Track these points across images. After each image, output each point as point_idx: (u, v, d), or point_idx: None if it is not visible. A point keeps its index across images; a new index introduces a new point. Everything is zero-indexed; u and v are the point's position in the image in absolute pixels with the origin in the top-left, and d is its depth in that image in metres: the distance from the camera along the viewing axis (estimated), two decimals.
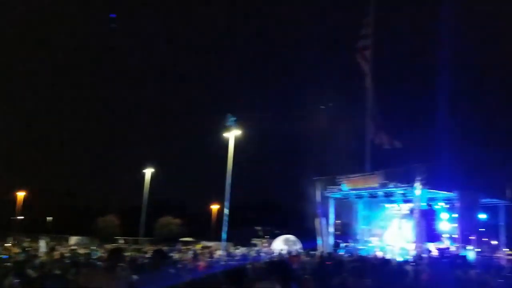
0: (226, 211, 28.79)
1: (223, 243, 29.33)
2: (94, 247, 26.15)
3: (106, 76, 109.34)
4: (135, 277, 7.22)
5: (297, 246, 33.27)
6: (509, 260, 26.08)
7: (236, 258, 25.51)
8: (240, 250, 29.14)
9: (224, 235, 29.03)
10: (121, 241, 46.99)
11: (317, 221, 28.30)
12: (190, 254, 22.85)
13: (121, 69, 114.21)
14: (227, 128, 28.65)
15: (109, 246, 27.77)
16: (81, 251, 22.53)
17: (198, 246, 36.20)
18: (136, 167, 54.15)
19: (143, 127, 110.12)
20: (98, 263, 13.94)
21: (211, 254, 23.49)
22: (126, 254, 21.13)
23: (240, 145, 30.36)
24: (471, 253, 22.80)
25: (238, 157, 30.23)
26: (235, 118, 28.45)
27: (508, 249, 28.11)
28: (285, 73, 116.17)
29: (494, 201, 24.64)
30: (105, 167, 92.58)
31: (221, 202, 34.57)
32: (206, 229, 54.81)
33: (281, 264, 4.72)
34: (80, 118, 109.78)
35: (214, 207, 55.60)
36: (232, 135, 28.56)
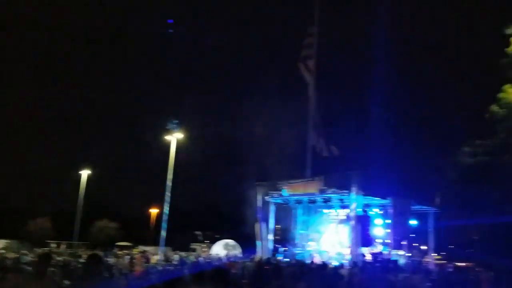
0: (165, 215, 28.34)
1: (161, 248, 28.85)
2: (24, 251, 24.90)
3: (40, 73, 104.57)
4: (66, 282, 6.96)
5: (237, 251, 33.35)
6: (436, 265, 27.51)
7: (174, 263, 25.20)
8: (178, 255, 28.78)
9: (162, 240, 28.56)
10: (54, 245, 45.09)
11: (257, 226, 28.43)
12: (126, 259, 22.32)
13: (59, 67, 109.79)
14: (168, 131, 28.29)
15: (40, 251, 26.56)
16: (10, 255, 21.42)
17: (135, 251, 35.39)
18: (71, 168, 52.22)
19: (80, 127, 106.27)
20: (28, 268, 13.31)
21: (147, 260, 23.06)
22: (59, 258, 20.32)
23: (182, 148, 30.10)
24: (402, 258, 23.81)
25: (179, 160, 29.94)
26: (177, 121, 28.18)
27: (436, 254, 29.61)
28: (229, 77, 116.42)
29: (424, 208, 25.86)
30: (37, 167, 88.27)
31: (160, 206, 34.00)
32: (145, 233, 53.71)
33: (219, 271, 4.73)
34: (10, 115, 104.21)
35: (154, 211, 54.60)
36: (174, 138, 28.23)
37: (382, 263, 19.80)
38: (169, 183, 28.04)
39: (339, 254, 24.71)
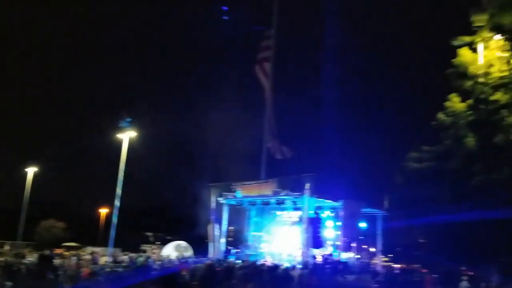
0: (115, 215, 27.65)
1: (110, 249, 28.12)
2: None
3: None
4: (9, 284, 6.68)
5: (189, 253, 33.00)
6: (384, 266, 28.33)
7: (123, 264, 24.61)
8: (128, 256, 28.16)
9: (111, 241, 27.83)
10: None
11: (209, 227, 28.31)
12: (73, 260, 21.68)
13: (4, 62, 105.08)
14: (121, 129, 27.60)
15: None
16: None
17: (83, 252, 34.41)
18: (17, 165, 50.06)
19: (28, 123, 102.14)
20: None
21: (95, 261, 22.44)
22: (1, 259, 19.42)
23: (134, 147, 29.50)
24: (351, 259, 24.35)
25: (131, 159, 29.36)
26: (130, 119, 27.51)
27: (384, 256, 30.51)
28: (184, 77, 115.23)
29: (373, 210, 26.58)
30: None
31: (110, 206, 33.17)
32: (94, 234, 52.29)
33: (170, 276, 4.80)
34: None
35: (103, 211, 53.23)
36: (126, 136, 27.57)
37: (332, 265, 20.16)
38: (120, 182, 27.36)
39: (290, 255, 24.94)
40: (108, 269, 21.15)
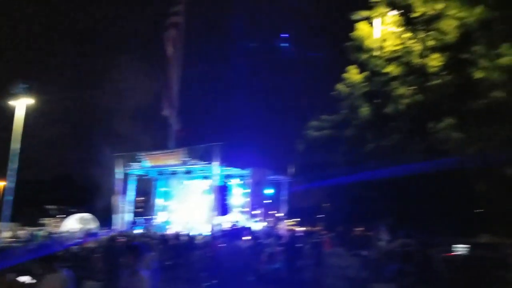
0: (10, 188, 25.94)
1: (6, 224, 26.49)
2: None
3: None
4: None
5: (93, 225, 32.04)
6: (288, 230, 29.63)
7: (22, 239, 23.57)
8: (25, 231, 26.76)
9: (7, 214, 26.15)
10: None
11: (115, 199, 27.67)
12: None
13: None
14: (15, 96, 25.55)
15: None
16: None
17: None
18: None
19: None
20: None
21: None
22: None
23: (32, 114, 27.56)
24: (257, 225, 25.18)
25: (29, 128, 27.49)
26: (26, 85, 25.49)
27: (289, 220, 31.84)
28: (90, 43, 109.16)
29: (279, 177, 27.57)
30: None
31: (6, 178, 30.89)
32: None
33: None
34: None
35: None
36: (22, 103, 25.63)
37: (237, 231, 20.66)
38: (14, 153, 25.52)
39: (199, 224, 25.20)
40: (4, 245, 20.03)
